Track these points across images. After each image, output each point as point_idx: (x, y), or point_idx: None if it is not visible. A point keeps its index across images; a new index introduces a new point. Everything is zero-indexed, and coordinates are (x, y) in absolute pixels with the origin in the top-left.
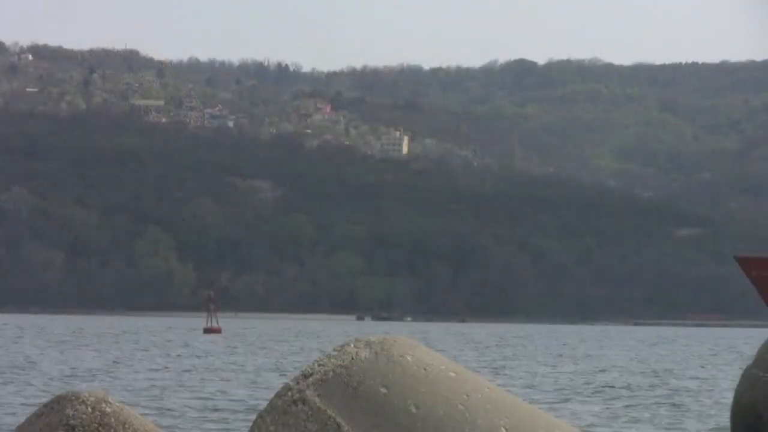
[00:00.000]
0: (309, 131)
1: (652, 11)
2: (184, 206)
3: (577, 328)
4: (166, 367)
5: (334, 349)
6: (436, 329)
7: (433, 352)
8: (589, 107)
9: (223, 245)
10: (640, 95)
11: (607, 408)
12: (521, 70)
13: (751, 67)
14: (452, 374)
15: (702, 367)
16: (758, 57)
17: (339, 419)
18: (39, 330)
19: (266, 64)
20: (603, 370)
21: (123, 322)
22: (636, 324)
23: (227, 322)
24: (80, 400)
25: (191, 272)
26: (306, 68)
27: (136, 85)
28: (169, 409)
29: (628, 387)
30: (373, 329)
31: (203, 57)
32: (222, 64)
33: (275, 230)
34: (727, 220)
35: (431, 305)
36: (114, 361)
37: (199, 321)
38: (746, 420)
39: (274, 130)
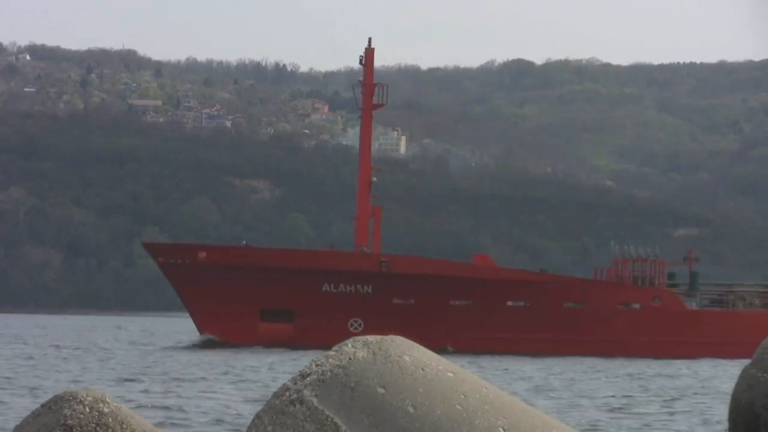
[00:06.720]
0: (307, 131)
1: (650, 11)
2: (181, 206)
3: None
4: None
5: (332, 350)
6: None
7: (431, 353)
8: (587, 107)
9: None
10: (638, 95)
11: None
12: (519, 70)
13: (749, 67)
14: (450, 374)
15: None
16: (756, 57)
17: (337, 419)
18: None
19: (264, 64)
20: None
21: (121, 322)
22: None
23: None
24: (78, 399)
25: None
26: (304, 68)
27: (134, 85)
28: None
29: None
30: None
31: (201, 57)
32: (220, 64)
33: (273, 230)
34: (725, 221)
35: None
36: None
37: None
38: (745, 419)
39: (272, 130)
